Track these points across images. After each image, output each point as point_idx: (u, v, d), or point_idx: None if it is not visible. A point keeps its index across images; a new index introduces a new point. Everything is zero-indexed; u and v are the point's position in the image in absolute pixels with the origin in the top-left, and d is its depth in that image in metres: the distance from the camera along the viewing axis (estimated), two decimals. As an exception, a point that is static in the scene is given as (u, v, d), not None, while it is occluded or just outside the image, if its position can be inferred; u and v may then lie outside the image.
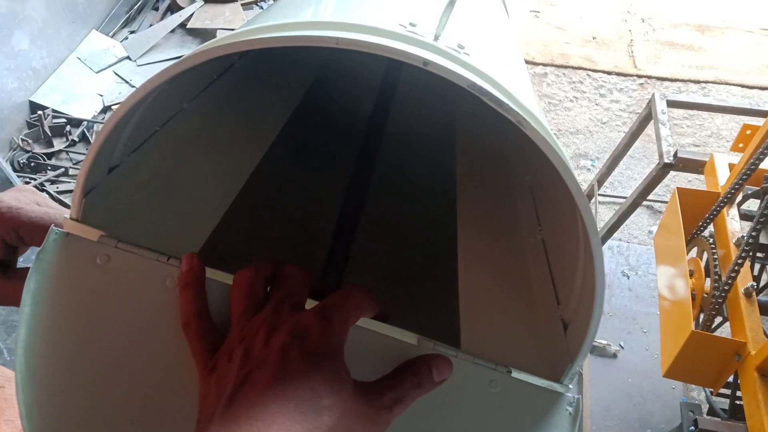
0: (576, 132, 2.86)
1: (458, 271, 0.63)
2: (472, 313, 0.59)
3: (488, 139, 0.81)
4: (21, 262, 0.56)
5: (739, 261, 1.33)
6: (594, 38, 3.38)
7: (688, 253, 1.63)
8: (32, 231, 0.50)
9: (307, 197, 0.76)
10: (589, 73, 3.17)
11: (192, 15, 3.43)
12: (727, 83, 3.08)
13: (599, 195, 2.44)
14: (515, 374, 0.47)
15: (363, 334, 0.46)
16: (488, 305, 0.60)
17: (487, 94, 0.37)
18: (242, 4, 3.48)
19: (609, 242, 2.28)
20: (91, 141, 2.82)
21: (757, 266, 1.51)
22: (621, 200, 2.30)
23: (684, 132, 2.85)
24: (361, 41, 0.36)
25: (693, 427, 1.33)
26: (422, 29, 0.43)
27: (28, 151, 2.65)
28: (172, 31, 3.38)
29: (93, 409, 0.42)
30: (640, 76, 3.14)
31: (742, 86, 3.07)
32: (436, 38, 0.42)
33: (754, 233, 1.32)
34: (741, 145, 1.79)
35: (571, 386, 0.49)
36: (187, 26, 3.39)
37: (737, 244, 1.46)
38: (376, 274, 0.70)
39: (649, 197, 2.21)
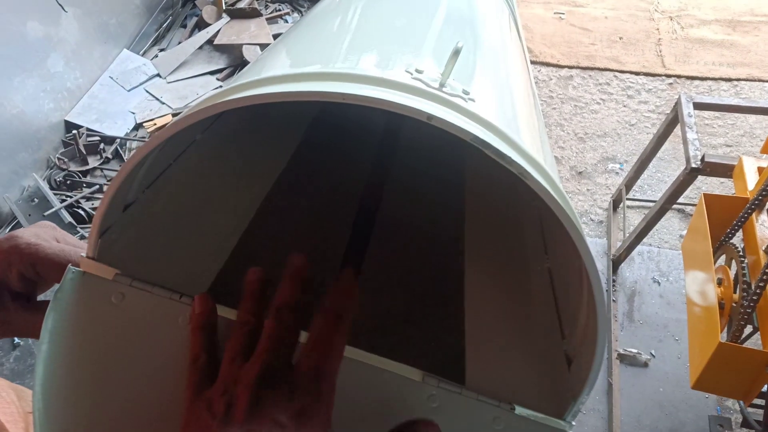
0: (603, 135, 2.82)
1: (465, 305, 0.64)
2: (478, 347, 0.59)
3: (497, 168, 0.81)
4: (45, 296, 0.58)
5: (767, 270, 1.29)
6: (621, 38, 3.32)
7: (716, 260, 1.59)
8: (48, 267, 0.52)
9: (316, 228, 0.77)
10: (616, 74, 3.11)
11: (219, 31, 3.50)
12: (760, 80, 2.99)
13: (628, 199, 2.40)
14: (518, 411, 0.48)
15: (364, 369, 0.47)
16: (494, 340, 0.60)
17: (489, 147, 0.38)
18: (267, 19, 3.54)
19: (639, 248, 2.23)
20: (124, 158, 2.90)
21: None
22: (650, 204, 2.25)
23: (716, 132, 2.77)
24: (365, 96, 0.37)
25: (722, 441, 1.30)
26: (429, 75, 0.44)
27: (64, 170, 2.75)
28: (200, 47, 3.46)
29: None
30: (669, 76, 3.07)
31: (777, 83, 2.98)
32: (441, 86, 0.43)
33: (782, 241, 1.28)
34: (772, 147, 1.74)
35: (573, 423, 0.49)
36: (214, 42, 3.46)
37: (767, 251, 1.41)
38: (381, 313, 0.70)
39: (680, 201, 2.16)
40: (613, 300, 2.15)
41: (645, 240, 2.20)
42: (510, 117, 0.53)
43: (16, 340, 2.15)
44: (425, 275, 0.73)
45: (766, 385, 1.32)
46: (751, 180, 1.65)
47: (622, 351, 2.00)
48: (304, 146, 0.83)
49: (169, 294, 0.48)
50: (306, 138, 0.85)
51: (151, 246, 0.54)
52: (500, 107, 0.53)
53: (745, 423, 1.56)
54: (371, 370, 0.47)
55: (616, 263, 2.24)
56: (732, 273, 1.50)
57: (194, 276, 0.58)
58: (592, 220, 2.48)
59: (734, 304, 1.45)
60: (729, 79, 3.02)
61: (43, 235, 0.55)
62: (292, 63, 0.52)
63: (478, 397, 0.48)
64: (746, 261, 1.46)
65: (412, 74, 0.44)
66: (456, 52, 0.44)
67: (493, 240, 0.73)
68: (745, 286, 1.42)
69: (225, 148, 0.70)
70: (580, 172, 2.67)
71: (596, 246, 2.34)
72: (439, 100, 0.41)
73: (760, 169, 1.65)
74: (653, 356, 2.01)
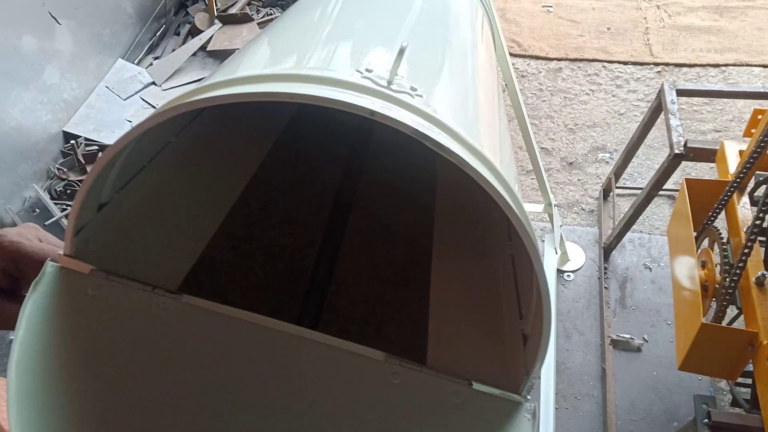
0: (593, 125, 2.85)
1: (431, 290, 0.67)
2: (441, 329, 0.62)
3: None
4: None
5: (746, 250, 1.32)
6: (608, 29, 3.35)
7: (700, 244, 1.62)
8: (28, 263, 0.55)
9: (290, 224, 0.80)
10: (605, 64, 3.14)
11: (211, 37, 3.54)
12: (748, 65, 3.00)
13: (617, 188, 2.43)
14: (476, 386, 0.51)
15: (334, 352, 0.51)
16: (457, 321, 0.63)
17: (428, 140, 0.41)
18: (258, 24, 3.58)
19: (630, 235, 2.27)
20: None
21: (770, 255, 1.48)
22: (639, 191, 2.28)
23: (704, 118, 2.80)
24: (313, 96, 0.40)
25: (707, 420, 1.33)
26: (377, 74, 0.47)
27: (64, 179, 2.79)
28: (194, 54, 3.50)
29: (81, 427, 0.47)
30: (657, 64, 3.09)
31: (764, 66, 2.99)
32: (389, 83, 0.46)
33: (758, 221, 1.31)
34: (753, 131, 1.76)
35: (529, 396, 0.52)
36: (208, 48, 3.50)
37: (747, 231, 1.44)
38: (353, 301, 0.74)
39: (669, 187, 2.19)
40: (605, 287, 2.18)
41: (636, 227, 2.23)
42: (462, 111, 0.56)
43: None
44: (395, 265, 0.77)
45: (750, 364, 1.34)
46: (733, 163, 1.68)
47: (615, 337, 2.04)
48: (278, 146, 0.87)
49: (142, 286, 0.51)
50: (281, 138, 0.88)
51: (126, 243, 0.58)
52: (453, 103, 0.56)
53: (735, 402, 1.59)
54: (340, 353, 0.51)
55: (607, 251, 2.27)
56: (715, 256, 1.53)
57: (168, 270, 0.62)
58: (584, 209, 2.51)
59: (717, 286, 1.48)
60: (717, 65, 3.04)
61: (26, 234, 0.58)
62: (252, 65, 0.56)
63: (438, 374, 0.51)
64: (727, 242, 1.49)
65: (362, 73, 0.47)
66: (401, 52, 0.47)
67: (461, 228, 0.76)
68: (726, 267, 1.45)
69: (200, 149, 0.73)
70: (571, 163, 2.70)
71: (588, 235, 2.37)
72: (385, 97, 0.44)
73: (741, 153, 1.68)
74: (646, 341, 2.04)
